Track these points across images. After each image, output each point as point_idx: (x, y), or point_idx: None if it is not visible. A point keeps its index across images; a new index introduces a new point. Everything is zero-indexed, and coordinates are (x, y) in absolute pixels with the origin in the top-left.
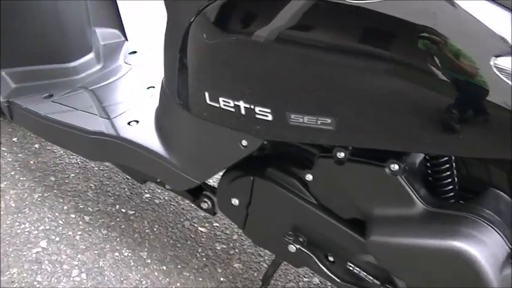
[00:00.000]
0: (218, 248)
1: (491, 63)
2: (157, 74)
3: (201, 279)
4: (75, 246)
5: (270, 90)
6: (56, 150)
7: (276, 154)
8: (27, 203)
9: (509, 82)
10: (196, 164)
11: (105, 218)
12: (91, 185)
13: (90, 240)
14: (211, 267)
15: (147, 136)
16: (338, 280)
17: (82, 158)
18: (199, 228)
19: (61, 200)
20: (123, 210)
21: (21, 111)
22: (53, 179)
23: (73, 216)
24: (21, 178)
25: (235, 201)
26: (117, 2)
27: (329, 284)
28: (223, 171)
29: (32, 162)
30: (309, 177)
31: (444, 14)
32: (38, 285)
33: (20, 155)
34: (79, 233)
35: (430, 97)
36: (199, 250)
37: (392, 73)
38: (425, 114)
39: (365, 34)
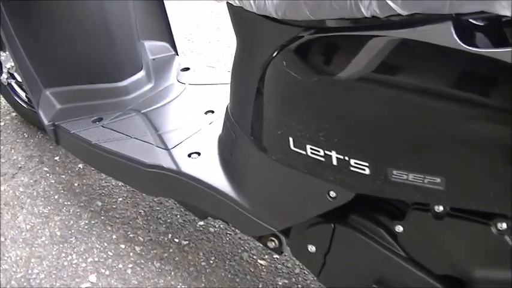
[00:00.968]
0: (280, 283)
1: None
2: (214, 96)
3: None
4: (126, 281)
5: (371, 142)
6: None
7: (361, 201)
8: (73, 231)
9: None
10: (273, 210)
11: (157, 248)
12: (140, 211)
13: (143, 274)
14: None
15: (211, 172)
16: None
17: None
18: (259, 260)
19: (109, 228)
20: (176, 240)
21: (68, 137)
22: (99, 203)
23: (123, 246)
24: (66, 203)
25: (311, 248)
26: (167, 12)
27: None
28: None
29: (76, 184)
30: (398, 228)
31: None
32: None
33: (63, 176)
34: (130, 265)
35: None
36: (260, 286)
37: None
38: None
39: (488, 83)
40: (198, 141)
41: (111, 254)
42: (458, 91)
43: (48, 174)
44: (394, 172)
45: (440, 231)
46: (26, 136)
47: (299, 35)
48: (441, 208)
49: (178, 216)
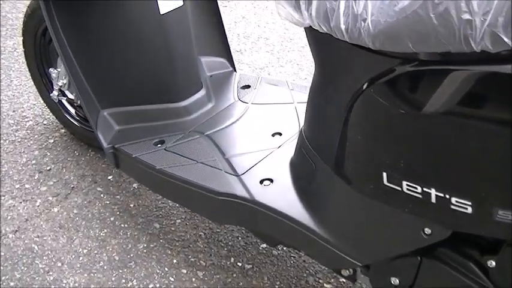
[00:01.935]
0: None
1: None
2: (279, 116)
3: None
4: None
5: (476, 180)
6: None
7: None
8: (132, 255)
9: None
10: (358, 244)
11: (220, 273)
12: (200, 233)
13: None
14: None
15: (287, 201)
16: None
17: None
18: (325, 284)
19: (169, 252)
20: (239, 264)
21: (130, 161)
22: (157, 226)
23: (184, 271)
24: (122, 225)
25: (395, 281)
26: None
27: None
28: None
29: (132, 205)
30: (491, 263)
31: None
32: None
33: (118, 196)
34: None
35: None
36: None
37: None
38: None
39: None
40: (268, 166)
41: (172, 279)
42: None
43: (102, 195)
44: (500, 212)
45: None
46: (77, 154)
47: (395, 66)
48: None
49: (239, 238)
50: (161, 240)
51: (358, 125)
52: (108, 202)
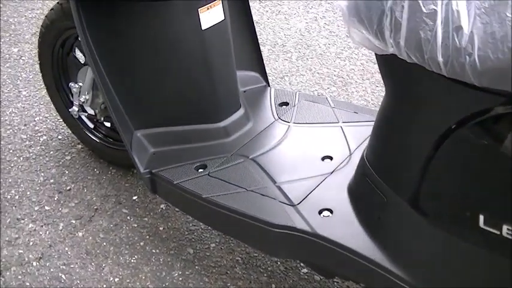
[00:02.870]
0: None
1: None
2: (325, 138)
3: None
4: None
5: None
6: None
7: None
8: (167, 283)
9: None
10: (435, 281)
11: None
12: (237, 258)
13: None
14: None
15: (350, 233)
16: None
17: None
18: None
19: (206, 279)
20: None
21: (171, 187)
22: (191, 251)
23: None
24: (154, 250)
25: None
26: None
27: None
28: None
29: (161, 228)
30: None
31: None
32: None
33: (146, 218)
34: None
35: None
36: None
37: None
38: None
39: None
40: (324, 194)
41: None
42: None
43: (128, 217)
44: None
45: None
46: (98, 172)
47: (499, 105)
48: None
49: (278, 263)
50: (197, 267)
51: (449, 163)
52: (135, 225)
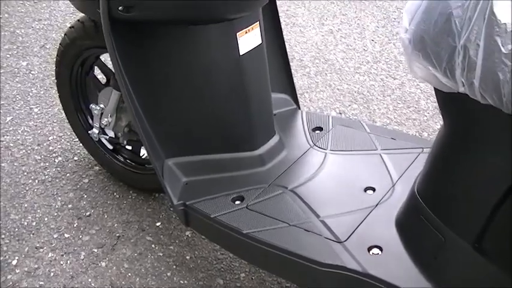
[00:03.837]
0: None
1: None
2: (366, 167)
3: None
4: None
5: None
6: None
7: None
8: None
9: None
10: None
11: None
12: None
13: None
14: None
15: (403, 273)
16: None
17: None
18: None
19: None
20: None
21: (206, 221)
22: (221, 282)
23: None
24: (182, 281)
25: None
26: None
27: None
28: None
29: (188, 257)
30: None
31: None
32: None
33: (172, 247)
34: None
35: None
36: None
37: None
38: None
39: None
40: (371, 230)
41: None
42: None
43: (153, 245)
44: None
45: None
46: (118, 197)
47: None
48: None
49: None
50: None
51: None
52: (161, 254)
